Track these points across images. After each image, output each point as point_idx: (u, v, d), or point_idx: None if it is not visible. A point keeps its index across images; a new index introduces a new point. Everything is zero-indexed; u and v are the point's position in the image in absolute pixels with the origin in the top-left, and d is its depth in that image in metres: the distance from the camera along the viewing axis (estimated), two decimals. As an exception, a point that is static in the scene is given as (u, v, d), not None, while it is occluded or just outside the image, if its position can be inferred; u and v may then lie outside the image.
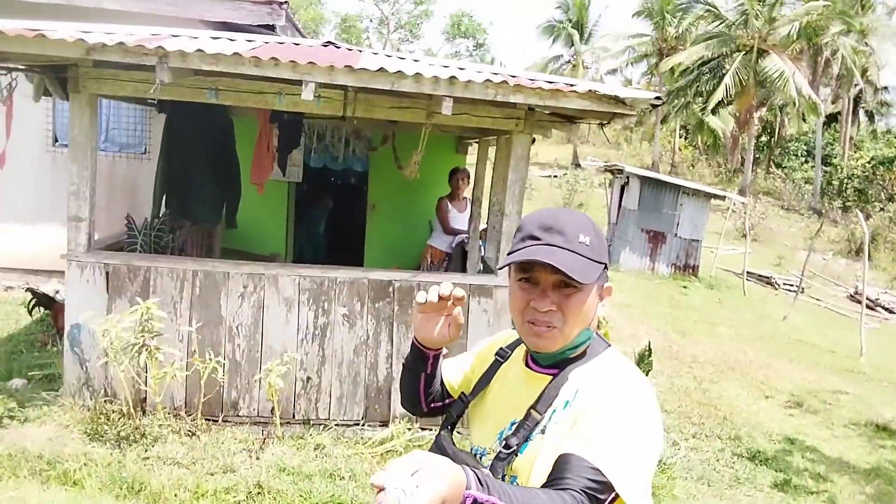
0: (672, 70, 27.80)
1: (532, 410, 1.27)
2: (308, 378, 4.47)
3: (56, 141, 7.37)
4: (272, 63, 3.66)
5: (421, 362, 1.50)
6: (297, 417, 4.49)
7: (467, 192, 6.91)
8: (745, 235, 17.30)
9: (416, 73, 3.66)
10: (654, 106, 3.82)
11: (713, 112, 27.81)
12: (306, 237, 8.85)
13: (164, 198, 5.95)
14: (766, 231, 22.63)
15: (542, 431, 1.25)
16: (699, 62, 26.26)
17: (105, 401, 4.17)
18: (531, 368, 1.36)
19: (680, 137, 34.73)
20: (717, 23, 26.66)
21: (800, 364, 8.81)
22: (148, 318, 3.84)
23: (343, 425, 4.52)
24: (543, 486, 1.11)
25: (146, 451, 3.86)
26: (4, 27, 3.58)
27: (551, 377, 1.30)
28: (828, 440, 6.00)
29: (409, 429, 4.49)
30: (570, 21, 35.67)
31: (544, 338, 1.27)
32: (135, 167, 7.52)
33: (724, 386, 7.11)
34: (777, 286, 15.84)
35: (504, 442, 1.28)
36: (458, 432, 1.51)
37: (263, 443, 4.17)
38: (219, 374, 4.14)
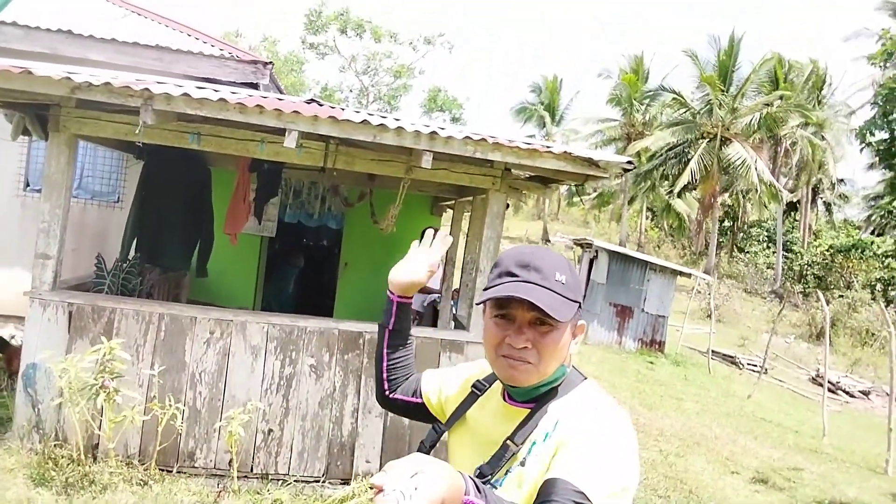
0: (639, 154, 28.84)
1: (508, 441, 1.26)
2: (270, 430, 4.34)
3: (27, 185, 7.29)
4: (257, 110, 3.72)
5: (387, 313, 1.58)
6: (255, 471, 4.33)
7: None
8: (709, 315, 17.58)
9: (398, 127, 3.75)
10: (626, 170, 3.96)
11: (679, 196, 28.75)
12: (275, 294, 8.76)
13: (135, 243, 5.88)
14: (729, 312, 23.03)
15: (522, 464, 1.24)
16: (665, 147, 27.35)
17: (55, 445, 3.98)
18: (508, 403, 1.36)
19: (646, 219, 35.69)
20: (683, 110, 27.93)
21: (764, 442, 8.82)
22: (110, 359, 3.73)
23: (303, 481, 4.37)
24: None
25: (94, 498, 3.67)
26: (-9, 62, 3.61)
27: (529, 410, 1.30)
28: (793, 516, 5.96)
29: (372, 487, 4.35)
30: (542, 104, 37.09)
31: (519, 370, 1.27)
32: (106, 215, 7.44)
33: (690, 460, 7.07)
34: (741, 366, 16.01)
35: (478, 471, 1.27)
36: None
37: (218, 496, 4.00)
38: (177, 421, 4.00)
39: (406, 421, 4.48)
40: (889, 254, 27.56)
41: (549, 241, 31.27)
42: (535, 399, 1.31)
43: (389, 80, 36.79)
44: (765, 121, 25.78)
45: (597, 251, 14.59)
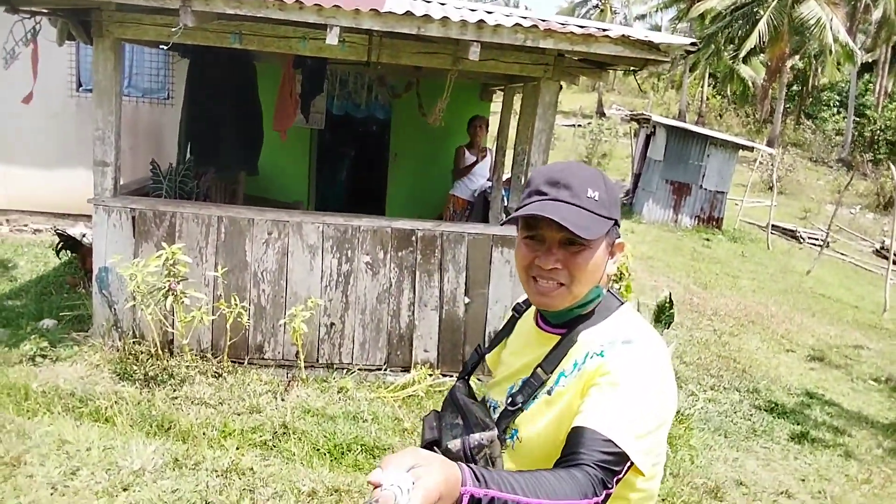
0: (702, 16, 26.90)
1: (538, 369, 1.25)
2: (332, 324, 4.54)
3: (80, 86, 7.37)
4: (296, 7, 3.59)
5: None
6: (320, 361, 4.58)
7: (489, 142, 6.82)
8: (771, 188, 16.99)
9: (443, 17, 3.58)
10: (689, 52, 3.71)
11: (744, 60, 27.00)
12: (328, 185, 8.85)
13: (189, 144, 5.96)
14: (792, 184, 22.22)
15: (549, 392, 1.23)
16: (732, 7, 25.36)
17: (133, 342, 4.27)
18: (541, 328, 1.34)
19: (708, 86, 33.83)
20: (754, -36, 25.60)
21: (822, 319, 8.76)
22: (173, 263, 3.89)
23: (366, 370, 4.61)
24: (557, 461, 1.09)
25: (174, 390, 3.97)
26: (27, -32, 3.55)
27: (560, 337, 1.27)
28: (847, 395, 6.00)
29: (431, 374, 4.57)
30: (599, -38, 34.51)
31: (549, 296, 1.24)
32: (158, 113, 7.51)
33: (744, 339, 7.10)
34: (802, 240, 15.63)
35: (510, 398, 1.28)
36: (479, 379, 1.53)
37: (288, 385, 4.27)
38: (244, 318, 4.21)
39: (461, 313, 4.60)
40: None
41: (605, 114, 30.20)
42: (568, 323, 1.28)
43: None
44: (844, -28, 23.50)
45: (654, 127, 14.05)
